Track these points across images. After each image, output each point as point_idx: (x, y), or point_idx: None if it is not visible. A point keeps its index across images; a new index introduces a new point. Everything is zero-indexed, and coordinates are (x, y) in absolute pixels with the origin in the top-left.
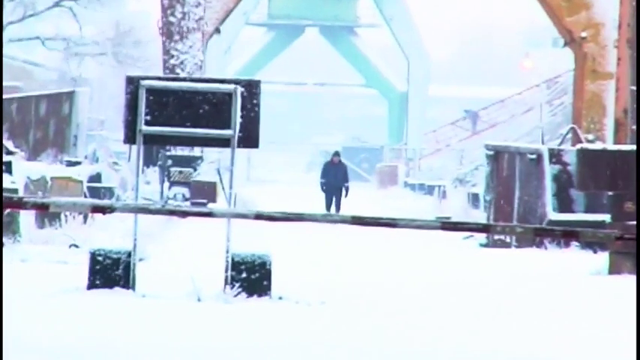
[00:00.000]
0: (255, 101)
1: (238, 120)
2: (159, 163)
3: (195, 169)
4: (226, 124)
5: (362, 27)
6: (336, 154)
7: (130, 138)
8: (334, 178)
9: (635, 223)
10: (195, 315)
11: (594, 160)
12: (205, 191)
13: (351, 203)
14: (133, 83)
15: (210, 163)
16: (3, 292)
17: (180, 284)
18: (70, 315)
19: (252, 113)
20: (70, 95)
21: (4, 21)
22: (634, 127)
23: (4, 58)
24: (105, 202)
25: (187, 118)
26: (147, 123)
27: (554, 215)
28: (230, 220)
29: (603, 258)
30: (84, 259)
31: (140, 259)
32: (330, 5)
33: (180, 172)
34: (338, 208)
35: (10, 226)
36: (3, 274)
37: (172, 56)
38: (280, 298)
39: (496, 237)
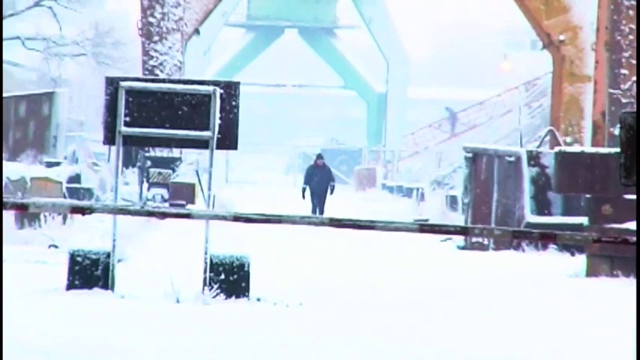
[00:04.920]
0: (234, 103)
1: (217, 121)
2: (138, 164)
3: (174, 171)
4: (205, 126)
5: (341, 28)
6: (320, 156)
7: (109, 139)
8: (319, 182)
9: (612, 225)
10: (173, 316)
11: (572, 162)
12: (184, 192)
13: (330, 205)
14: (112, 84)
15: (189, 164)
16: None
17: (159, 285)
18: (49, 315)
19: (231, 115)
20: (50, 96)
21: None
22: (612, 129)
23: None
24: (84, 202)
25: (166, 119)
26: (126, 124)
27: (532, 218)
28: (208, 221)
29: (581, 260)
30: (63, 259)
31: (119, 260)
32: (309, 6)
33: (159, 173)
34: (322, 211)
35: None
36: (2, 274)
37: (152, 57)
38: (258, 299)
39: (474, 239)
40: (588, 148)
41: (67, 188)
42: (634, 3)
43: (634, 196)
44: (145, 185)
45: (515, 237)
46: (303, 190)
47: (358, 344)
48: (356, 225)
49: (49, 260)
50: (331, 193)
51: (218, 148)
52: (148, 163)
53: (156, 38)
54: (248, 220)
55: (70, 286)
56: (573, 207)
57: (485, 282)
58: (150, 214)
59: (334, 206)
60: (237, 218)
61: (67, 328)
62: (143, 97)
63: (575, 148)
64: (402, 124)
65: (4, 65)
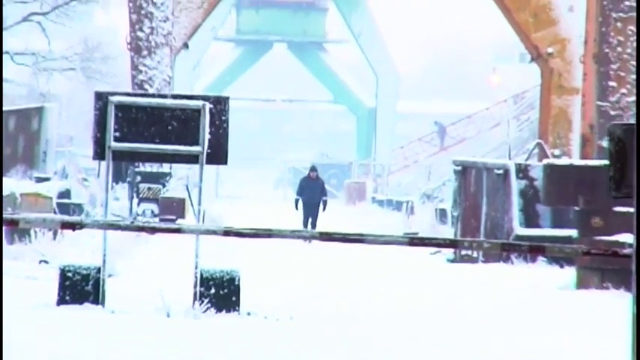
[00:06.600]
0: (223, 117)
1: (207, 136)
2: (128, 179)
3: (164, 186)
4: (195, 141)
5: (330, 43)
6: (313, 169)
7: (99, 154)
8: (311, 194)
9: (602, 237)
10: (164, 331)
11: (561, 175)
12: (174, 207)
13: (320, 219)
14: (101, 99)
15: (179, 179)
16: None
17: (150, 300)
18: (39, 330)
19: (220, 129)
20: (39, 111)
21: None
22: (600, 142)
23: None
24: (74, 218)
25: (156, 134)
26: (116, 139)
27: (520, 230)
28: (199, 236)
29: (570, 273)
30: (54, 274)
31: (109, 275)
32: (298, 21)
33: (149, 188)
34: (314, 224)
35: None
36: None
37: (141, 72)
38: (249, 313)
39: (463, 252)
40: (577, 161)
41: (57, 204)
42: (622, 15)
43: (624, 208)
44: (135, 200)
45: (505, 249)
46: (296, 201)
47: (349, 358)
48: (346, 239)
49: (40, 276)
50: (324, 209)
51: (208, 162)
52: (138, 178)
53: (145, 53)
54: (238, 234)
55: (61, 301)
56: (562, 219)
57: (475, 294)
58: (140, 229)
59: (324, 220)
60: (227, 233)
61: (57, 343)
62: (132, 112)
63: (564, 161)
64: (392, 138)
65: None
